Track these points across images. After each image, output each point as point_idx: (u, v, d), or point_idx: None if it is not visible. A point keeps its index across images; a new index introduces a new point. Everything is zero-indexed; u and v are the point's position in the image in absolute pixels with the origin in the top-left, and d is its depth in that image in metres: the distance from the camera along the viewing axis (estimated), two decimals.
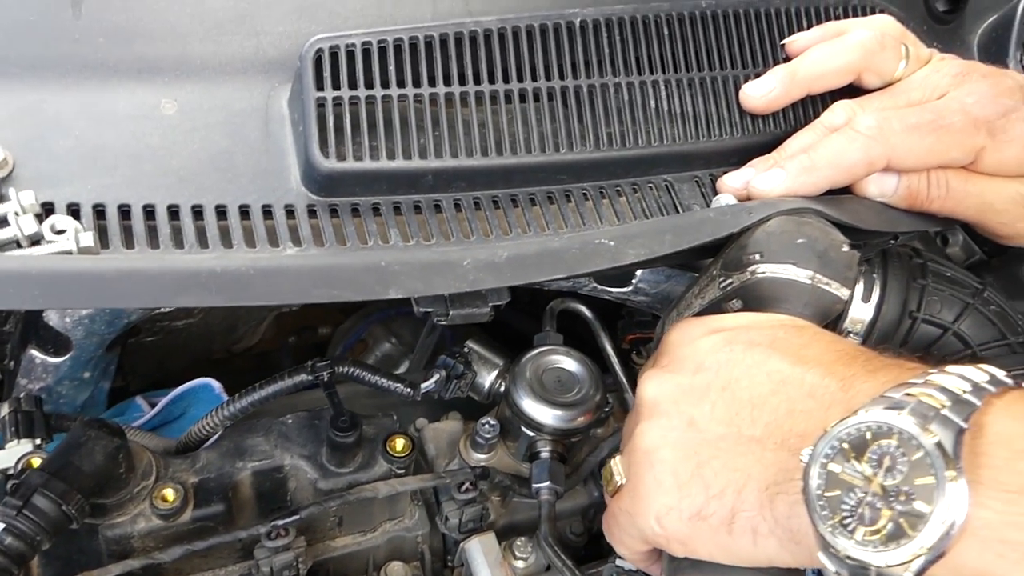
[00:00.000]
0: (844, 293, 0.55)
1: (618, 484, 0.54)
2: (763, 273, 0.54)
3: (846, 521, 0.40)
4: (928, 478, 0.38)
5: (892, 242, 0.67)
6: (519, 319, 1.06)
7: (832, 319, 0.66)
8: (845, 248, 0.55)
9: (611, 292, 0.74)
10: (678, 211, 0.62)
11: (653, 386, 0.53)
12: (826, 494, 0.41)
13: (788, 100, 0.64)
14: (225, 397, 0.75)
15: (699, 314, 0.58)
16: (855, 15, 0.68)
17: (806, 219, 0.55)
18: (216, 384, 0.77)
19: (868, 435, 0.40)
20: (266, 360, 1.23)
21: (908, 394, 0.41)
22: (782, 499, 0.45)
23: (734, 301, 0.56)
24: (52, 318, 0.74)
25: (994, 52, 0.77)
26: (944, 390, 0.41)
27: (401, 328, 1.21)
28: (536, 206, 0.59)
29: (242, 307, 1.08)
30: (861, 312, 0.72)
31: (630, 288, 0.73)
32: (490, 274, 0.51)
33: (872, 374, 0.46)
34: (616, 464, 0.55)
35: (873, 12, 0.69)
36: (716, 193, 0.63)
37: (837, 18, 0.67)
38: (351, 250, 0.53)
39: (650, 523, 0.50)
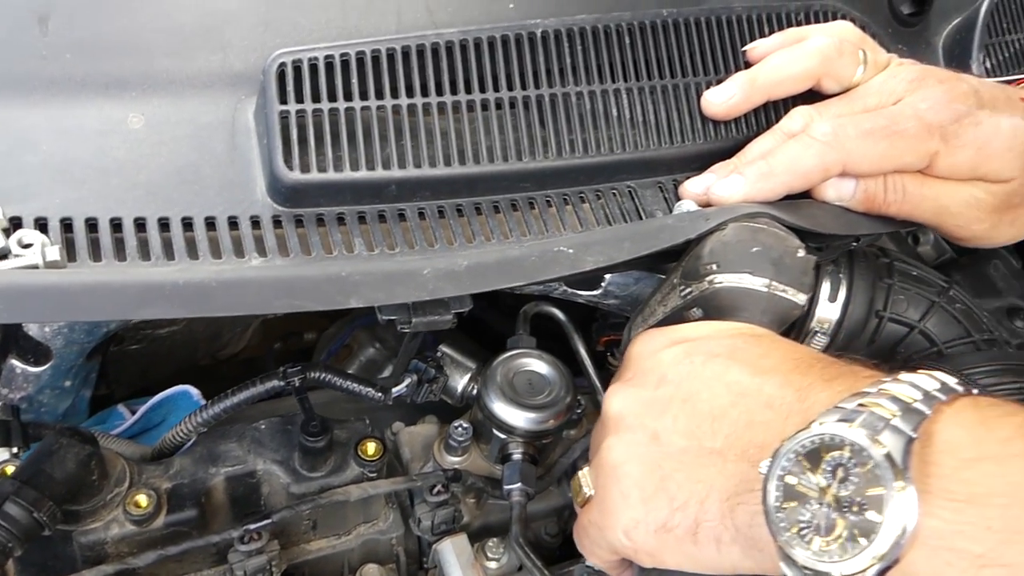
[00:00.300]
0: (801, 299, 0.56)
1: (587, 496, 0.55)
2: (720, 283, 0.55)
3: (803, 532, 0.41)
4: (879, 488, 0.39)
5: (855, 244, 0.68)
6: (502, 321, 1.07)
7: (792, 322, 0.68)
8: (800, 253, 0.56)
9: (582, 295, 0.75)
10: (641, 217, 0.63)
11: (618, 400, 0.54)
12: (784, 506, 0.42)
13: (749, 106, 0.65)
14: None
15: (662, 322, 0.59)
16: (816, 21, 0.69)
17: (761, 226, 0.56)
18: (194, 391, 0.78)
19: (822, 447, 0.41)
20: (252, 366, 1.23)
21: (861, 404, 0.42)
22: (743, 509, 0.46)
23: (695, 310, 0.57)
24: (32, 328, 0.75)
25: (958, 54, 0.79)
26: (895, 399, 0.42)
27: (385, 333, 1.22)
28: (500, 214, 0.60)
29: (225, 317, 1.10)
30: (828, 311, 0.73)
31: (600, 291, 0.74)
32: (450, 283, 0.52)
33: (828, 383, 0.47)
34: (584, 476, 0.56)
35: (835, 17, 0.70)
36: (679, 198, 0.64)
37: (798, 24, 0.68)
38: (315, 260, 0.54)
39: (618, 536, 0.51)
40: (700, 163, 0.65)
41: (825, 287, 0.74)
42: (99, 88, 0.55)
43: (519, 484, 0.68)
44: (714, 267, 0.55)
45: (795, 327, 0.76)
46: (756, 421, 0.48)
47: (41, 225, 0.51)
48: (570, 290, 0.75)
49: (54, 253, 0.49)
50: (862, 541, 0.39)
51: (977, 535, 0.38)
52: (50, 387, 0.81)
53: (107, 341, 0.85)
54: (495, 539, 0.69)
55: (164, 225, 0.53)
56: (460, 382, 0.74)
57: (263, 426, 0.66)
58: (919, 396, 0.42)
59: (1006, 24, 0.79)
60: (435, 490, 0.67)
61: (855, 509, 0.40)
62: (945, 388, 0.44)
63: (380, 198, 0.57)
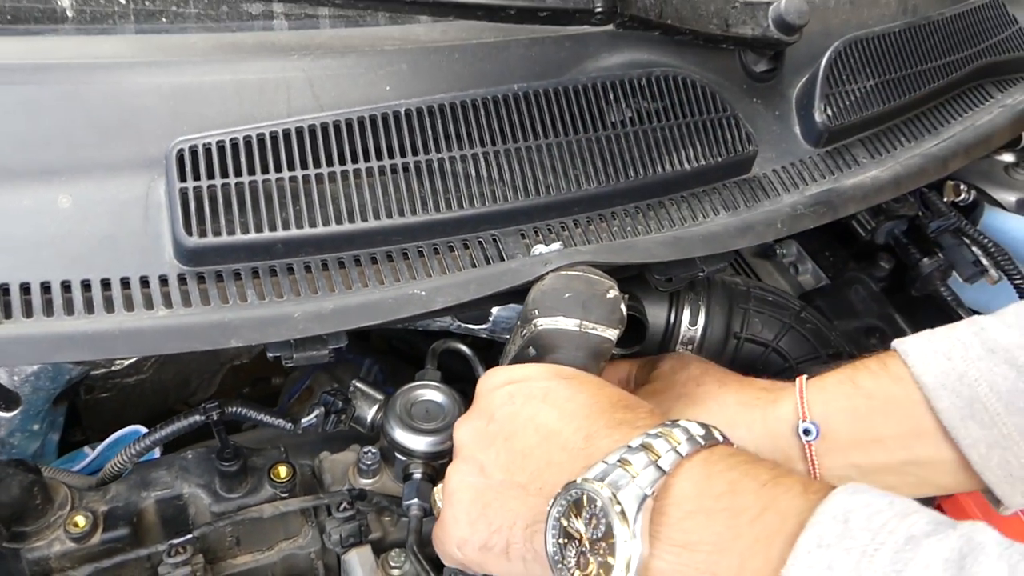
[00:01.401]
0: (611, 334, 0.66)
1: (439, 509, 0.67)
2: (541, 325, 0.65)
3: (569, 565, 0.52)
4: (613, 538, 0.49)
5: (701, 274, 0.78)
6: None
7: (662, 342, 0.78)
8: (611, 295, 0.66)
9: (474, 329, 0.85)
10: (503, 260, 0.73)
11: (463, 431, 0.65)
12: (558, 542, 0.53)
13: None
14: None
15: (514, 359, 0.69)
16: (658, 87, 0.80)
17: (576, 273, 0.66)
18: (144, 430, 0.89)
19: (584, 498, 0.51)
20: None
21: (620, 460, 0.52)
22: (538, 536, 0.56)
23: (529, 349, 0.67)
24: (2, 376, 0.87)
25: (804, 104, 0.89)
26: (649, 452, 0.52)
27: (343, 373, 1.33)
28: (376, 264, 0.70)
29: (193, 361, 1.21)
30: (690, 333, 0.83)
31: (489, 324, 0.84)
32: (317, 323, 0.62)
33: (612, 430, 0.57)
34: (438, 492, 0.67)
35: (677, 82, 0.81)
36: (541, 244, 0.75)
37: (641, 90, 0.79)
38: (211, 310, 0.65)
39: (453, 550, 0.63)
40: (557, 211, 0.75)
41: (686, 312, 0.85)
42: (34, 175, 0.67)
43: (415, 500, 0.77)
44: (536, 312, 0.65)
45: (663, 350, 0.86)
46: (553, 462, 0.58)
47: None
48: (463, 324, 0.86)
49: None
50: None
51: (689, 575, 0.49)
52: (20, 430, 0.92)
53: (72, 388, 0.96)
54: (396, 549, 0.78)
55: (86, 286, 0.64)
56: (369, 412, 0.84)
57: (190, 455, 0.77)
58: (671, 448, 0.52)
59: (846, 76, 0.89)
60: (341, 507, 0.77)
61: (600, 551, 0.50)
62: (693, 440, 0.53)
63: (270, 255, 0.68)
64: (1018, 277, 0.94)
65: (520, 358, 0.68)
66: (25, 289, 0.63)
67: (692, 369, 0.77)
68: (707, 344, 0.84)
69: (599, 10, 0.76)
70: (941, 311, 0.99)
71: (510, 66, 0.80)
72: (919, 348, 0.67)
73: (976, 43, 1.00)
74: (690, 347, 0.84)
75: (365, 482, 0.82)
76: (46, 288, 0.64)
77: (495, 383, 0.64)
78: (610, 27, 0.80)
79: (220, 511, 0.74)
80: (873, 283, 0.96)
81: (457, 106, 0.73)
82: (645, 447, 0.52)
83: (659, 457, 0.51)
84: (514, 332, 0.70)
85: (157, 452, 0.94)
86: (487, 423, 0.62)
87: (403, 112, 0.72)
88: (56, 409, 0.94)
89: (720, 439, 0.55)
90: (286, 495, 0.76)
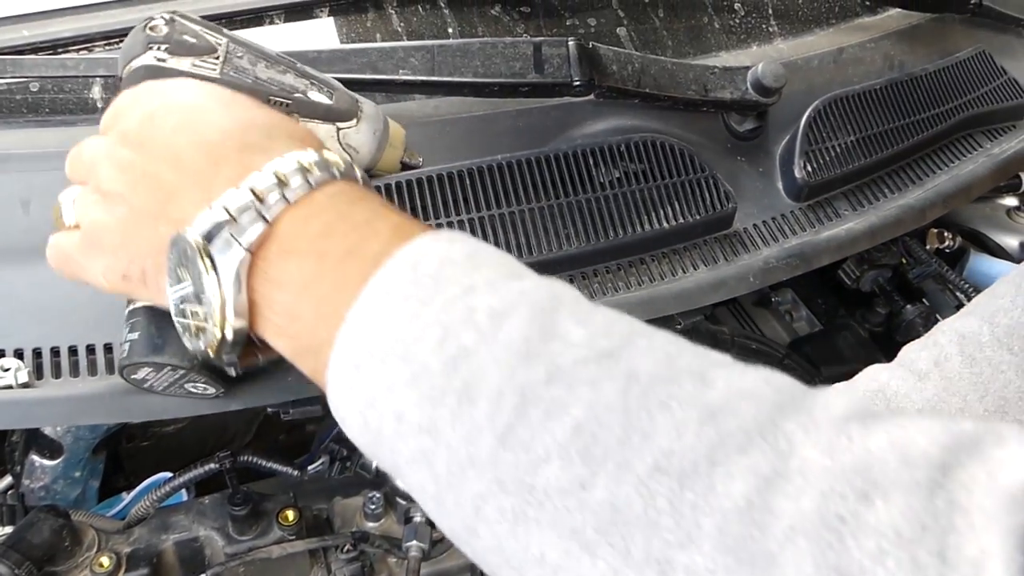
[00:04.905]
0: None
1: (69, 224, 0.60)
2: None
3: (184, 310, 0.52)
4: (206, 294, 0.49)
5: (678, 327, 0.82)
6: None
7: None
8: None
9: None
10: None
11: (96, 149, 0.59)
12: (175, 288, 0.52)
13: None
14: None
15: None
16: (639, 151, 0.85)
17: None
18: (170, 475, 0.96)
19: (187, 251, 0.50)
20: None
21: (225, 207, 0.49)
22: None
23: None
24: (46, 428, 0.95)
25: (786, 160, 0.93)
26: (256, 197, 0.49)
27: None
28: None
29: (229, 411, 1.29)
30: None
31: None
32: (308, 384, 0.68)
33: (241, 154, 0.52)
34: (69, 204, 0.60)
35: (658, 147, 0.86)
36: None
37: (620, 155, 0.84)
38: None
39: (98, 278, 0.58)
40: (540, 271, 0.80)
41: None
42: None
43: (415, 542, 0.83)
44: None
45: None
46: (180, 190, 0.52)
47: (18, 353, 0.71)
48: None
49: (23, 376, 0.69)
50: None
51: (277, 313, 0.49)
52: (63, 477, 1.00)
53: (112, 437, 1.05)
54: None
55: (108, 348, 0.72)
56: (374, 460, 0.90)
57: (207, 500, 0.83)
58: (276, 198, 0.49)
59: (826, 132, 0.93)
60: (345, 548, 0.83)
61: (202, 301, 0.50)
62: (305, 183, 0.50)
63: None
64: None
65: None
66: (55, 352, 0.71)
67: None
68: None
69: (577, 83, 0.82)
70: None
71: (499, 136, 0.86)
72: None
73: (962, 95, 1.03)
74: None
75: (371, 525, 0.88)
76: (73, 351, 0.72)
77: (121, 103, 0.59)
78: (591, 97, 0.86)
79: (232, 552, 0.81)
80: (871, 327, 0.99)
81: (444, 177, 0.79)
82: (253, 191, 0.49)
83: (263, 202, 0.49)
84: None
85: (184, 495, 1.01)
86: (120, 144, 0.56)
87: (400, 182, 0.78)
88: (96, 457, 1.02)
89: (337, 175, 0.51)
90: (293, 537, 0.82)
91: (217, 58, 0.65)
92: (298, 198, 0.49)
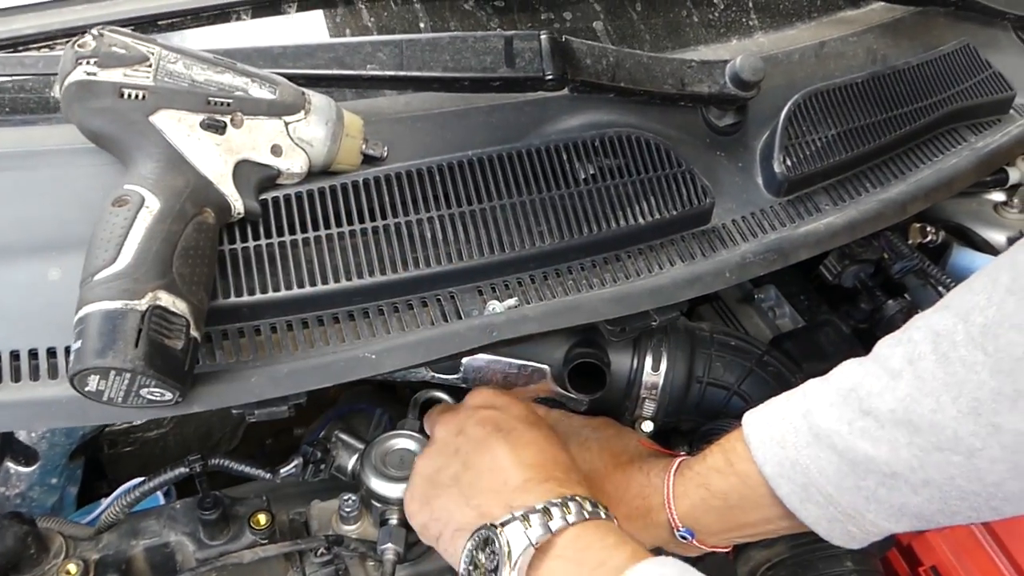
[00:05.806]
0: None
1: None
2: None
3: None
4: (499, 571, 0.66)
5: (654, 324, 0.81)
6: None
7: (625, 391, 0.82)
8: None
9: (447, 379, 0.89)
10: (460, 318, 0.77)
11: (441, 430, 0.82)
12: (468, 567, 0.69)
13: None
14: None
15: None
16: (613, 147, 0.84)
17: None
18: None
19: (489, 537, 0.68)
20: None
21: (524, 516, 0.67)
22: (460, 541, 0.71)
23: None
24: (21, 434, 0.94)
25: (766, 155, 0.92)
26: (547, 515, 0.67)
27: (358, 424, 1.38)
28: (338, 323, 0.75)
29: (214, 415, 1.27)
30: (652, 379, 0.86)
31: (460, 374, 0.89)
32: (271, 386, 0.67)
33: (541, 484, 0.72)
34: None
35: (632, 142, 0.84)
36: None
37: (595, 150, 0.83)
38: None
39: (411, 515, 0.80)
40: (514, 268, 0.79)
41: (648, 358, 0.87)
42: (27, 251, 0.73)
43: (390, 544, 0.82)
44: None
45: (627, 395, 0.89)
46: (492, 490, 0.72)
47: None
48: (437, 375, 0.90)
49: None
50: None
51: None
52: (39, 484, 0.99)
53: (89, 443, 1.03)
54: None
55: (68, 352, 0.70)
56: (349, 462, 0.89)
57: (178, 505, 0.82)
58: (560, 515, 0.68)
59: (806, 127, 0.91)
60: (319, 552, 0.82)
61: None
62: (580, 513, 0.68)
63: (236, 318, 0.72)
64: None
65: None
66: (14, 355, 0.70)
67: None
68: (670, 389, 0.86)
69: (550, 77, 0.81)
70: None
71: (471, 132, 0.85)
72: (759, 434, 0.74)
73: (946, 89, 1.01)
74: (653, 392, 0.86)
75: (347, 528, 0.87)
76: (33, 354, 0.70)
77: (477, 402, 0.81)
78: (565, 91, 0.85)
79: (203, 557, 0.79)
80: (854, 324, 0.98)
81: (414, 173, 0.78)
82: (545, 511, 0.68)
83: (551, 519, 0.67)
84: None
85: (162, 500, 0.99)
86: (456, 435, 0.78)
87: (368, 179, 0.77)
88: (73, 463, 1.01)
89: (603, 516, 0.70)
90: (265, 541, 0.80)
91: (150, 66, 0.66)
92: (574, 521, 0.68)
